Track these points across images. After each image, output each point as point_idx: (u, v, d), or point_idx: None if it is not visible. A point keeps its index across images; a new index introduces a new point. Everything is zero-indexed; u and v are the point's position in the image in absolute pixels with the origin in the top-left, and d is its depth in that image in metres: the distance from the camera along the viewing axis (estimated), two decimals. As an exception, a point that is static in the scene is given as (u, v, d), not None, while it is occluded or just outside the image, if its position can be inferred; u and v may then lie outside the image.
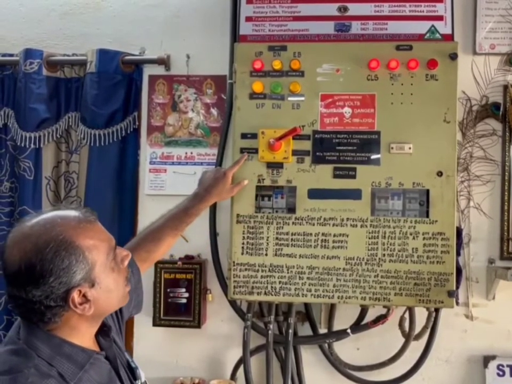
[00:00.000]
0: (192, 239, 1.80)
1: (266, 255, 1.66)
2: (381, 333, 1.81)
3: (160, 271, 1.88)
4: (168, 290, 1.87)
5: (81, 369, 0.96)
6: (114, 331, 1.13)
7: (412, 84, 1.64)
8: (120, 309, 1.18)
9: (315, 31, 1.85)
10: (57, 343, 0.95)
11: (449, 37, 1.80)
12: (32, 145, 1.98)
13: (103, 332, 1.06)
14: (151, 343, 1.96)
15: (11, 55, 2.02)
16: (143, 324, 1.92)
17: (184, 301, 1.87)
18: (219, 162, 1.93)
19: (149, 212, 1.95)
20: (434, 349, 1.74)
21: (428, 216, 1.61)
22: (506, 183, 1.83)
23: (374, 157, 1.64)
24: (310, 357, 1.90)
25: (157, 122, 2.01)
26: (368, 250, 1.62)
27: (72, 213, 0.97)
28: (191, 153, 1.99)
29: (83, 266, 0.94)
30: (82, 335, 0.99)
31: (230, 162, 1.76)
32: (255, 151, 1.68)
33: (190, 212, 1.50)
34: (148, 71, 2.02)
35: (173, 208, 1.51)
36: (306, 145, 1.67)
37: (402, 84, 1.64)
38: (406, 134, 1.63)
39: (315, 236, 1.64)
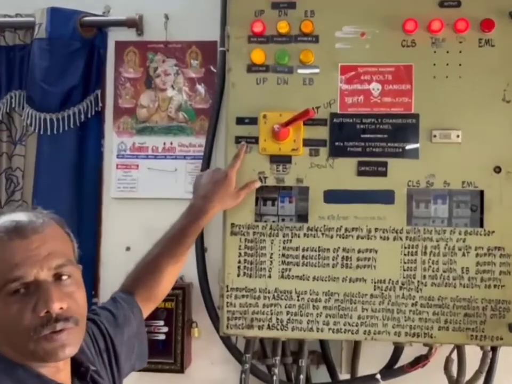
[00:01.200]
0: (173, 256, 1.78)
1: (269, 277, 1.65)
2: (421, 379, 1.78)
3: (131, 297, 1.82)
4: (142, 322, 1.88)
5: None
6: (107, 380, 1.20)
7: (460, 52, 1.63)
8: (117, 357, 1.26)
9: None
10: None
11: (507, -10, 1.73)
12: (-41, 135, 2.04)
13: (80, 373, 1.12)
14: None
15: None
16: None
17: (162, 337, 1.88)
18: (207, 155, 1.91)
19: (116, 221, 1.98)
20: (490, 400, 1.72)
21: (482, 226, 1.61)
22: None
23: (410, 147, 1.63)
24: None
25: (126, 103, 2.00)
26: (404, 270, 1.61)
27: (14, 218, 1.04)
28: (171, 143, 1.98)
29: None
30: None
31: (221, 155, 1.76)
32: (255, 140, 1.66)
33: (188, 231, 1.52)
34: (114, 36, 2.02)
35: (168, 230, 1.54)
36: (322, 132, 1.65)
37: (447, 52, 1.63)
38: (452, 117, 1.62)
39: (334, 252, 1.63)
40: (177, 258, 1.49)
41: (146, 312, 1.43)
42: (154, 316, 1.77)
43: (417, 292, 1.59)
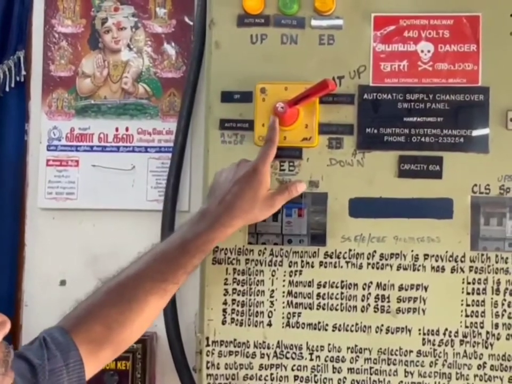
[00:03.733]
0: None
1: (269, 325, 1.65)
2: None
3: (70, 356, 1.85)
4: (85, 391, 1.92)
5: None
6: None
7: (550, -4, 1.64)
8: None
9: None
10: None
11: None
12: None
13: None
14: None
15: None
16: None
17: (112, 413, 1.91)
18: (179, 147, 1.94)
19: (46, 243, 2.00)
20: None
21: None
22: None
23: (476, 135, 1.63)
24: None
25: (61, 70, 2.02)
26: (466, 317, 1.60)
27: None
28: (127, 129, 2.00)
29: None
30: None
31: (200, 147, 1.79)
32: (249, 125, 1.68)
33: (191, 246, 1.50)
34: (44, -28, 2.06)
35: (157, 244, 1.56)
36: (347, 114, 1.66)
37: (532, -3, 1.64)
38: (537, 93, 1.65)
39: (364, 289, 1.63)
40: (164, 287, 1.47)
41: (95, 367, 1.41)
42: (100, 381, 1.81)
43: (486, 348, 1.58)
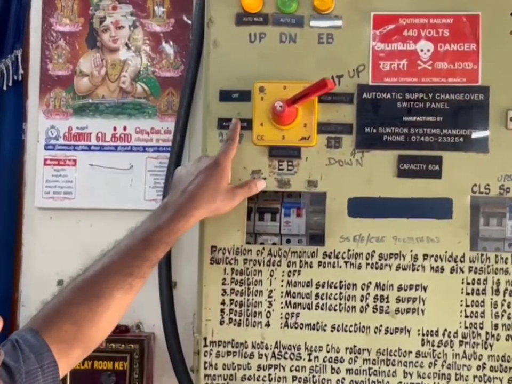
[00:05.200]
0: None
1: (268, 325, 1.65)
2: None
3: (65, 355, 1.85)
4: (81, 391, 1.91)
5: None
6: None
7: (549, -5, 1.64)
8: None
9: None
10: None
11: None
12: None
13: None
14: None
15: None
16: None
17: (108, 414, 1.93)
18: (178, 146, 1.95)
19: (43, 243, 2.00)
20: None
21: None
22: None
23: (476, 136, 1.63)
24: None
25: (59, 69, 2.03)
26: (466, 317, 1.61)
27: None
28: (125, 128, 2.01)
29: None
30: None
31: (198, 146, 1.77)
32: (247, 124, 1.67)
33: (153, 239, 1.50)
34: (42, -30, 2.08)
35: (120, 239, 1.53)
36: (346, 113, 1.66)
37: (531, -4, 1.65)
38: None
39: (363, 289, 1.63)
40: (130, 281, 1.47)
41: (66, 367, 1.40)
42: (98, 380, 1.85)
43: (485, 348, 1.59)
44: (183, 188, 1.57)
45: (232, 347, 1.64)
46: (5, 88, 2.02)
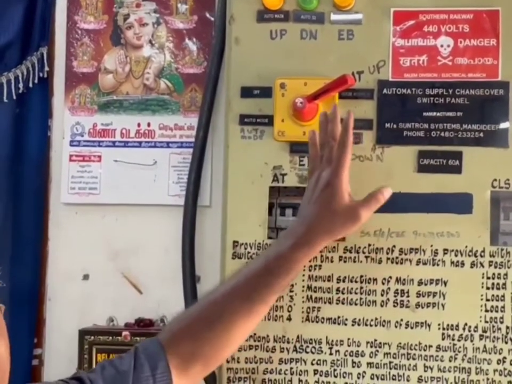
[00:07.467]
0: (150, 289, 1.87)
1: (289, 319, 1.65)
2: None
3: (90, 348, 1.88)
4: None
5: None
6: None
7: None
8: None
9: None
10: None
11: None
12: None
13: None
14: None
15: None
16: None
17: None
18: (201, 142, 1.93)
19: (69, 237, 2.00)
20: None
21: None
22: None
23: (496, 130, 1.63)
24: None
25: (84, 66, 2.03)
26: (486, 311, 1.60)
27: None
28: (149, 124, 2.01)
29: None
30: None
31: (221, 142, 1.76)
32: (268, 121, 1.67)
33: (273, 266, 1.48)
34: (67, -31, 2.06)
35: (245, 265, 1.57)
36: (366, 109, 1.66)
37: (552, -9, 1.63)
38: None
39: (383, 283, 1.63)
40: (249, 307, 1.48)
41: (185, 382, 1.43)
42: None
43: (506, 342, 1.58)
44: (303, 218, 1.53)
45: (254, 341, 1.64)
46: (31, 85, 2.02)
